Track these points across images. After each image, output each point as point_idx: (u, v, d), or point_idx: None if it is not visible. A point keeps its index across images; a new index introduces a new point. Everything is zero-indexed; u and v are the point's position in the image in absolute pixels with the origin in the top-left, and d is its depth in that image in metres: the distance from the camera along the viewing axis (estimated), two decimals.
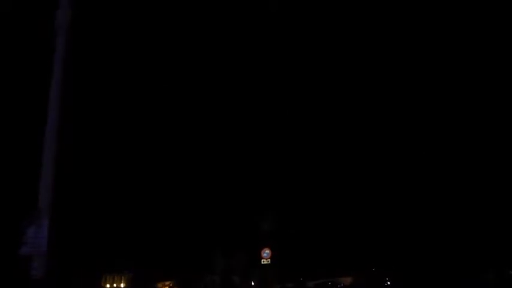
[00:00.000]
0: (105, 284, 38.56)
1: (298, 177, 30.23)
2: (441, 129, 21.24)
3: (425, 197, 22.10)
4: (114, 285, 39.04)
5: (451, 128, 21.09)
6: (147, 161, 19.16)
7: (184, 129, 20.23)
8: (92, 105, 16.84)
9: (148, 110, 19.09)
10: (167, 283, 37.25)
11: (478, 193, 19.90)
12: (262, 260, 30.55)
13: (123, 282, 38.60)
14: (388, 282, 34.23)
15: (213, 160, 24.47)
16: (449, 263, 21.12)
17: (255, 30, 19.97)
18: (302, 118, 26.13)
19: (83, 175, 16.39)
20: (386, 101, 22.29)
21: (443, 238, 21.44)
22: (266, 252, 30.34)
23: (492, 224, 19.96)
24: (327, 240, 28.16)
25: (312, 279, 34.94)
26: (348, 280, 36.42)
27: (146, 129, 18.82)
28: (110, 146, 17.65)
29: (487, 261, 20.04)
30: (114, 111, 17.97)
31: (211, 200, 24.72)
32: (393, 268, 29.26)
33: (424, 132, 21.46)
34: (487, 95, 20.34)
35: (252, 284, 35.75)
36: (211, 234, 26.87)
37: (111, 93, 17.71)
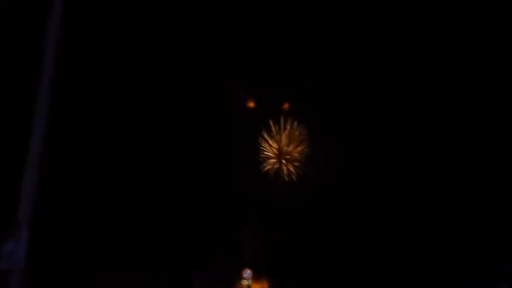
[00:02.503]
0: None
1: (276, 192, 29.83)
2: (439, 127, 21.20)
3: (420, 191, 21.88)
4: None
5: (449, 127, 21.05)
6: (136, 170, 18.50)
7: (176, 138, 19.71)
8: (82, 107, 16.25)
9: (142, 111, 18.51)
10: None
11: (477, 186, 19.84)
12: (243, 281, 29.69)
13: None
14: None
15: (188, 176, 23.84)
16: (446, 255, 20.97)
17: (254, 30, 19.68)
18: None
19: (70, 183, 15.68)
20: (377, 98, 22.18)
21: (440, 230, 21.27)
22: (247, 273, 29.49)
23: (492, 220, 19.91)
24: (310, 258, 27.57)
25: None
26: None
27: (136, 130, 18.21)
28: (99, 148, 16.98)
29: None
30: (105, 112, 17.35)
31: (191, 216, 23.99)
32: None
33: (419, 128, 21.39)
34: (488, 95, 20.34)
35: None
36: (190, 252, 26.01)
37: (103, 94, 17.13)
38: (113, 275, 16.79)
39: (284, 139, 27.91)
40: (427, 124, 21.24)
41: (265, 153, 27.64)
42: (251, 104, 25.46)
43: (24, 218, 9.25)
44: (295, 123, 27.93)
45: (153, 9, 17.84)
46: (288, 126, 28.09)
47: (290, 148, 28.04)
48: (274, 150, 27.30)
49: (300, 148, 28.37)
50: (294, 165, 27.66)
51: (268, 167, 27.36)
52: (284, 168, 27.62)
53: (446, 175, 21.02)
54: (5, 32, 13.41)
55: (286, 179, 27.62)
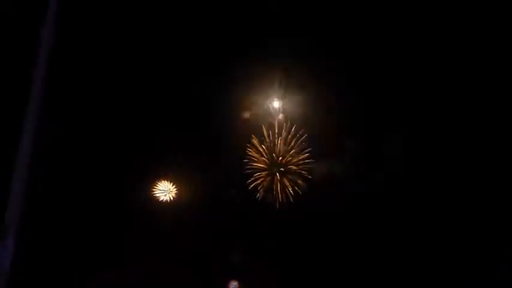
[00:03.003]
0: None
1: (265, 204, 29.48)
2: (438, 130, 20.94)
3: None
4: None
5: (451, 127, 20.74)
6: (127, 172, 18.25)
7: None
8: (74, 109, 16.05)
9: (134, 113, 18.29)
10: None
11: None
12: None
13: None
14: None
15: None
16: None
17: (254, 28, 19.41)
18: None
19: (59, 186, 15.39)
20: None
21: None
22: (233, 285, 29.04)
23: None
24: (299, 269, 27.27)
25: None
26: None
27: (128, 132, 17.99)
28: (90, 150, 16.72)
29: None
30: (98, 114, 17.13)
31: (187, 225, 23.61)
32: None
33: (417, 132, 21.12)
34: None
35: None
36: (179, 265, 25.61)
37: (96, 96, 16.91)
38: (101, 279, 16.52)
39: (279, 146, 23.95)
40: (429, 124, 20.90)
41: (255, 164, 23.96)
42: (247, 116, 22.74)
43: (11, 221, 8.95)
44: (293, 126, 23.90)
45: (149, 10, 17.77)
46: (285, 131, 24.07)
47: (286, 158, 24.13)
48: (266, 160, 24.07)
49: (298, 158, 24.27)
50: (289, 180, 24.09)
51: (258, 181, 23.78)
52: (278, 182, 24.01)
53: (446, 175, 20.88)
54: None
55: (280, 196, 24.14)
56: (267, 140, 24.02)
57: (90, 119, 16.98)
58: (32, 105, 9.29)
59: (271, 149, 24.04)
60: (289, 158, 23.99)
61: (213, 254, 24.47)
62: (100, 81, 17.14)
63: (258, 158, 24.24)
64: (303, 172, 23.86)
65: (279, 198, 24.01)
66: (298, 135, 23.81)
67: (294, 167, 23.99)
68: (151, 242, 20.08)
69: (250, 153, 24.01)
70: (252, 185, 23.82)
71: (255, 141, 23.99)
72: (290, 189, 24.03)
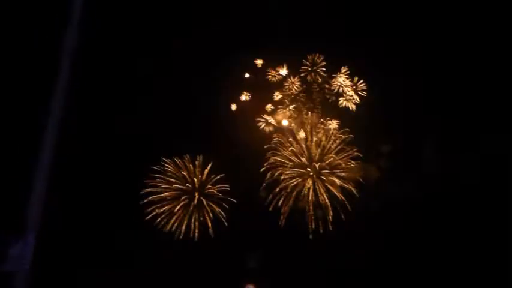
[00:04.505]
0: None
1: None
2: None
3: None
4: None
5: None
6: (140, 178, 18.62)
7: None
8: (94, 116, 16.54)
9: (157, 117, 18.59)
10: None
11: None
12: None
13: None
14: None
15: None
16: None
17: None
18: None
19: (78, 190, 15.87)
20: None
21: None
22: None
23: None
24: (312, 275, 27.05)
25: None
26: None
27: (144, 137, 18.32)
28: (108, 157, 17.17)
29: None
30: (116, 121, 17.57)
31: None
32: None
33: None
34: None
35: None
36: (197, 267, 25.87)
37: (116, 102, 17.34)
38: (114, 279, 16.84)
39: (313, 147, 16.78)
40: None
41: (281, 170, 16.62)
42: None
43: (32, 222, 9.35)
44: (331, 122, 16.79)
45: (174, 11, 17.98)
46: (320, 127, 16.68)
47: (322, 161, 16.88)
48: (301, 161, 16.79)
49: (335, 162, 16.82)
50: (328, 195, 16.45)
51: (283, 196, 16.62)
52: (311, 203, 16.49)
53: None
54: (22, 39, 13.69)
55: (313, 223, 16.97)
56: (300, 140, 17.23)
57: (111, 120, 17.34)
58: (54, 106, 9.69)
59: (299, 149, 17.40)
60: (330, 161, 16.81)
61: (232, 257, 24.55)
62: (122, 80, 17.46)
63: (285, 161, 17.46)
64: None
65: (311, 225, 17.93)
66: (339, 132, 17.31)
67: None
68: (172, 245, 20.28)
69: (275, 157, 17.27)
70: (272, 205, 17.41)
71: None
72: (330, 210, 17.62)
